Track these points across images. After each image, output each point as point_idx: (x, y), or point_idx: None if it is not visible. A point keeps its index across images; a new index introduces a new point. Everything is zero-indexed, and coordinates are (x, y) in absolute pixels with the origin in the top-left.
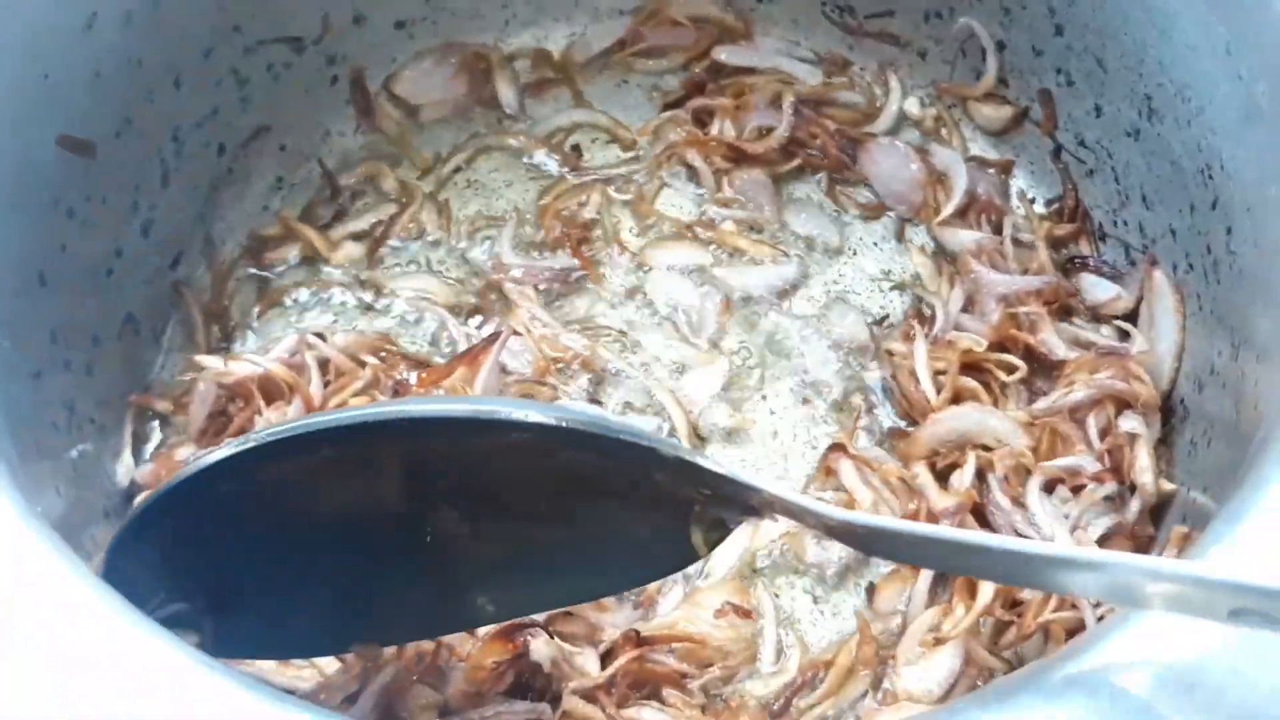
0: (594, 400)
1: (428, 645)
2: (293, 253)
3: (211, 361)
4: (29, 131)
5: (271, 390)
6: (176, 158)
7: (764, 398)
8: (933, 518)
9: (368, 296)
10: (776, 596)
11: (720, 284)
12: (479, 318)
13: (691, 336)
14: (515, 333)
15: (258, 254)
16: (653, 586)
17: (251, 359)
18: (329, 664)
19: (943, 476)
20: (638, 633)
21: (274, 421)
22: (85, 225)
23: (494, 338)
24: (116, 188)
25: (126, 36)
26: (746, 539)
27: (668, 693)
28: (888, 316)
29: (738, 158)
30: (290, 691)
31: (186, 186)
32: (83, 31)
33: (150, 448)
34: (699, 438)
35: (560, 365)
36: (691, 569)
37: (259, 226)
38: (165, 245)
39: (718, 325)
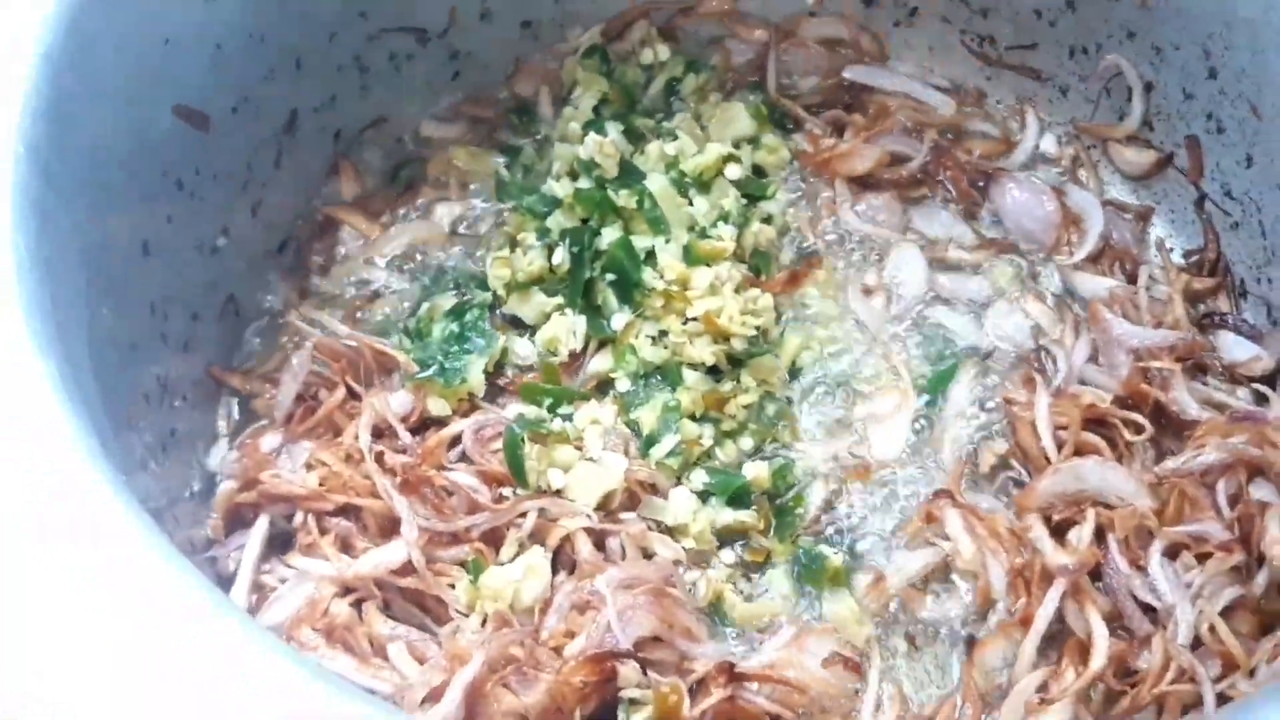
0: None
1: (518, 652)
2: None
3: (311, 329)
4: (146, 97)
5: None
6: (291, 140)
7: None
8: (1047, 575)
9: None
10: (882, 644)
11: None
12: None
13: None
14: None
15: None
16: (765, 621)
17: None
18: (409, 666)
19: (1057, 531)
20: (732, 666)
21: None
22: (194, 199)
23: None
24: (228, 164)
25: (250, 11)
26: (862, 592)
27: None
28: (995, 350)
29: (864, 182)
30: (371, 692)
31: (299, 171)
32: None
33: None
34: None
35: None
36: (805, 611)
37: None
38: (273, 228)
39: None
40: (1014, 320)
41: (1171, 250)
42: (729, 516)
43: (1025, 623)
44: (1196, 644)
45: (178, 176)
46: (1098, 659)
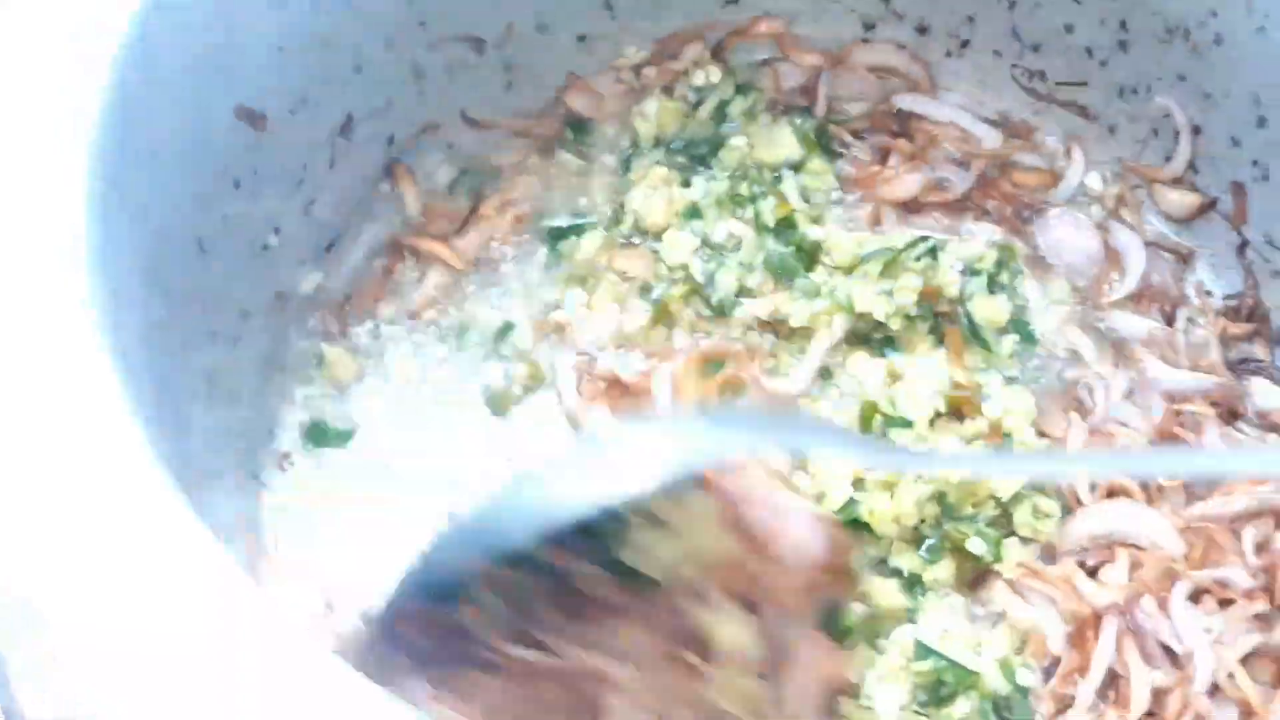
0: None
1: None
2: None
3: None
4: (207, 95)
5: None
6: (346, 143)
7: None
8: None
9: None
10: None
11: None
12: None
13: None
14: None
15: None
16: None
17: None
18: None
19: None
20: None
21: None
22: (249, 197)
23: None
24: (284, 164)
25: (315, 15)
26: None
27: None
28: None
29: (909, 206)
30: None
31: (353, 173)
32: (272, 2)
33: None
34: None
35: None
36: None
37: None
38: (324, 228)
39: None
40: None
41: (1211, 294)
42: None
43: (1081, 670)
44: (1214, 691)
45: (235, 176)
46: (1138, 704)
